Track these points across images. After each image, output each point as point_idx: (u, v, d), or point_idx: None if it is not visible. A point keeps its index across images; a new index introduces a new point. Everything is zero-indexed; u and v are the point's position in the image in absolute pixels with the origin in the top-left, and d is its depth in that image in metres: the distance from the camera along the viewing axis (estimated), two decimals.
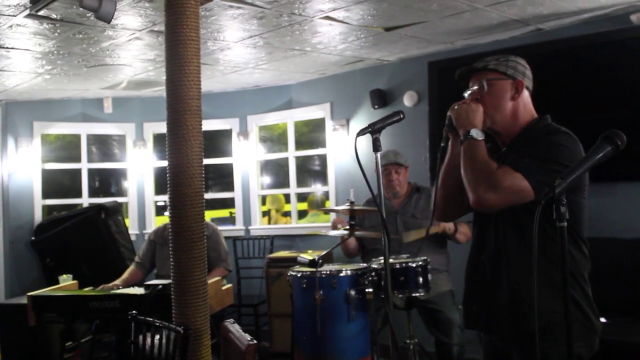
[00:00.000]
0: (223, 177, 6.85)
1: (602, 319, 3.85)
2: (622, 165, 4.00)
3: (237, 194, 6.84)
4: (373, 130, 2.40)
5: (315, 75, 6.17)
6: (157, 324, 2.71)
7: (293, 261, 5.57)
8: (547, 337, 2.01)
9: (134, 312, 2.93)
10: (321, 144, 6.50)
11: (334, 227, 4.23)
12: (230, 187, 6.94)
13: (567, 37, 4.62)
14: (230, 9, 3.78)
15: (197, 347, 2.87)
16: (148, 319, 2.83)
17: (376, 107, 5.77)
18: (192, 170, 2.90)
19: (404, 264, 3.65)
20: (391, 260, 3.74)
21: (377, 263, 3.72)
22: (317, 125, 6.77)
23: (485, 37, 4.93)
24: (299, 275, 3.74)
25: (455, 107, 2.25)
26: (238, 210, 6.87)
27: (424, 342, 4.29)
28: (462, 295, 2.38)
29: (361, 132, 2.40)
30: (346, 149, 6.07)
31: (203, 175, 2.99)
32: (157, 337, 2.77)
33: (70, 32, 4.00)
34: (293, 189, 6.69)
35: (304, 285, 3.69)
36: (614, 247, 4.28)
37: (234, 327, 2.62)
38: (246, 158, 6.79)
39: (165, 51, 2.96)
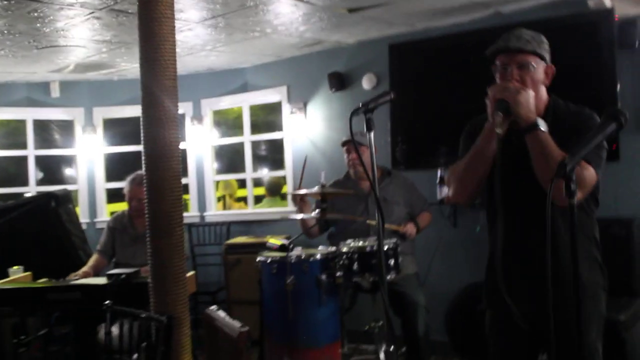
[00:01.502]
0: None
1: None
2: None
3: (191, 180, 6.70)
4: (366, 109, 2.38)
5: (271, 58, 6.07)
6: (142, 315, 2.61)
7: (252, 247, 5.53)
8: (596, 302, 2.21)
9: (108, 302, 2.82)
10: (278, 127, 6.42)
11: (300, 210, 4.19)
12: (183, 172, 6.76)
13: (526, 21, 4.67)
14: None
15: (177, 336, 2.78)
16: (125, 308, 2.73)
17: (334, 90, 5.72)
18: (170, 153, 2.79)
19: (374, 247, 3.64)
20: (361, 244, 3.74)
21: (346, 247, 3.70)
22: (273, 109, 6.67)
23: (445, 20, 4.94)
24: (268, 260, 3.69)
25: (510, 89, 2.12)
26: (192, 196, 6.73)
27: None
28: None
29: (355, 112, 2.37)
30: (304, 132, 6.01)
31: (180, 158, 2.88)
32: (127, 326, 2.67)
33: (25, 9, 3.78)
34: (249, 174, 6.59)
35: (274, 271, 3.66)
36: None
37: (219, 315, 2.56)
38: (200, 143, 6.65)
39: (138, 30, 2.83)
